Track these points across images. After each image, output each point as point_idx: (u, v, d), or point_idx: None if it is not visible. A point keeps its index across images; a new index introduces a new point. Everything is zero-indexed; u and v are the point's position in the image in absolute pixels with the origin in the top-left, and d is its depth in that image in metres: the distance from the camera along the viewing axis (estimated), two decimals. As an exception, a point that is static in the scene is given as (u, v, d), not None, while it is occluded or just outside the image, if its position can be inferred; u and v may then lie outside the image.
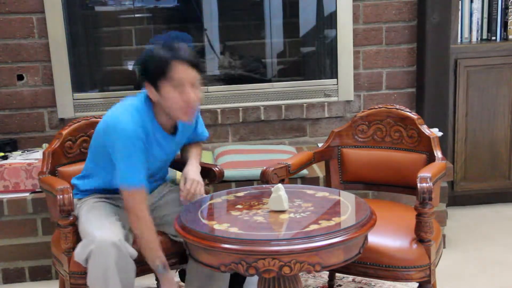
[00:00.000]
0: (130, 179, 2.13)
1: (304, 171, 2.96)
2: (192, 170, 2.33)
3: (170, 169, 2.57)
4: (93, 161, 2.34)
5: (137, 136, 2.13)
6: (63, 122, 3.43)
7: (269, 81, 3.74)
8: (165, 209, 2.37)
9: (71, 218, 2.18)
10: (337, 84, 3.59)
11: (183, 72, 2.13)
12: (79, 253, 2.11)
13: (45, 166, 2.42)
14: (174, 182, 2.88)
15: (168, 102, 2.15)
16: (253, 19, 3.88)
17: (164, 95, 2.14)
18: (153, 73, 2.14)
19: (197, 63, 2.18)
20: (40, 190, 2.89)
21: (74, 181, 2.38)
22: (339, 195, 2.15)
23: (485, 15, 3.55)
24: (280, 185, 1.99)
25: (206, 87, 3.58)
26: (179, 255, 2.31)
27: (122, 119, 2.13)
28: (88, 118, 2.56)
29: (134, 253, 2.13)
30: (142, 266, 2.20)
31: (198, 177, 2.31)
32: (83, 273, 2.16)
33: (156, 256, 2.15)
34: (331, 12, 3.58)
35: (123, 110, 2.18)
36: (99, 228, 2.13)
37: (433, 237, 2.17)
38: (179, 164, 2.47)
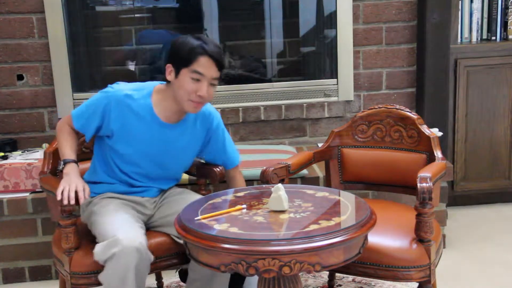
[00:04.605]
0: (74, 111, 2.33)
1: (304, 171, 2.96)
2: None
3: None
4: (94, 154, 2.39)
5: (108, 95, 2.26)
6: (63, 122, 3.43)
7: (269, 81, 3.74)
8: (167, 209, 2.36)
9: (73, 218, 2.18)
10: (337, 84, 3.58)
11: (206, 67, 2.18)
12: (100, 253, 2.10)
13: (46, 166, 2.42)
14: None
15: (181, 89, 2.20)
16: (253, 19, 3.88)
17: (181, 81, 2.20)
18: (179, 58, 2.19)
19: (222, 64, 2.23)
20: (40, 190, 2.89)
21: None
22: (339, 195, 2.15)
23: (485, 15, 3.55)
24: (280, 185, 1.98)
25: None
26: (180, 255, 2.31)
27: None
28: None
29: (152, 258, 2.15)
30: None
31: None
32: (84, 273, 2.16)
33: (62, 155, 2.29)
34: (331, 12, 3.58)
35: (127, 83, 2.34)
36: (122, 230, 2.11)
37: (433, 237, 2.17)
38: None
